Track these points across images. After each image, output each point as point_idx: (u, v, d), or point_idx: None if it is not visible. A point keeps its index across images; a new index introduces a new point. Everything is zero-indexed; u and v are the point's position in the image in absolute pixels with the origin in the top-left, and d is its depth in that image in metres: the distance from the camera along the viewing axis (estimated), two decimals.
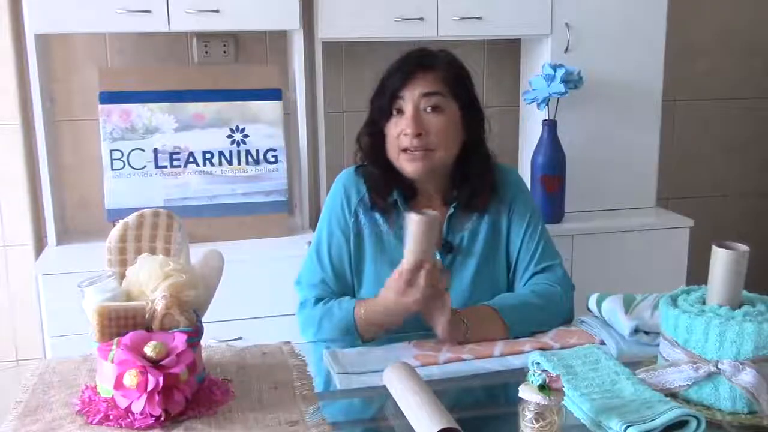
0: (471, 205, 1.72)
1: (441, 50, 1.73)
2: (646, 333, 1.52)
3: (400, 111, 1.65)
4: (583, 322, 1.63)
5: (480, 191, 1.71)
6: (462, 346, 1.52)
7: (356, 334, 1.59)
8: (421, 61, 1.67)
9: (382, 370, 1.35)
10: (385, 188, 1.70)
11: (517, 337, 1.57)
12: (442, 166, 1.69)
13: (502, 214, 1.74)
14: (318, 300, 1.68)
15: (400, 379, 1.27)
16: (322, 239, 1.73)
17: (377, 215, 1.71)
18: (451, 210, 1.72)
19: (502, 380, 1.40)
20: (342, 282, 1.71)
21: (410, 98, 1.64)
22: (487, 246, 1.72)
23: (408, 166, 1.66)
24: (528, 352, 1.47)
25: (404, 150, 1.65)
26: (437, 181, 1.72)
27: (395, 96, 1.64)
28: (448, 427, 1.11)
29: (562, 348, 1.49)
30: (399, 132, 1.65)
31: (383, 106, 1.67)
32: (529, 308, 1.63)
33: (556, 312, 1.66)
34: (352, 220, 1.71)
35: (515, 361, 1.46)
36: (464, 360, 1.47)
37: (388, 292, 1.51)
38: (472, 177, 1.71)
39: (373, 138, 1.71)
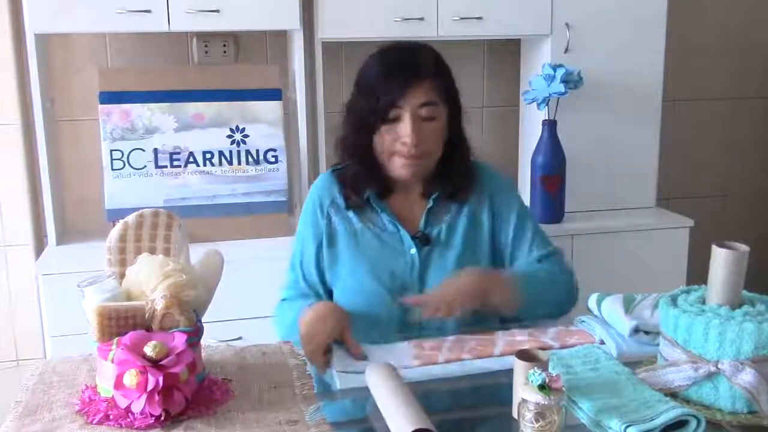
0: (451, 197, 1.74)
1: (422, 46, 1.72)
2: (646, 333, 1.52)
3: (397, 119, 1.64)
4: (583, 321, 1.63)
5: (462, 185, 1.74)
6: (462, 345, 1.52)
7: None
8: (416, 70, 1.65)
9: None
10: (363, 186, 1.72)
11: (523, 317, 1.61)
12: (427, 167, 1.71)
13: (483, 208, 1.75)
14: (284, 300, 1.76)
15: (380, 380, 1.28)
16: (296, 245, 1.79)
17: (350, 214, 1.73)
18: (430, 203, 1.73)
19: (501, 380, 1.39)
20: (309, 283, 1.75)
21: (409, 108, 1.62)
22: (466, 239, 1.73)
23: (401, 171, 1.67)
24: None
25: (396, 154, 1.66)
26: (419, 178, 1.73)
27: (393, 105, 1.63)
28: (423, 428, 1.11)
29: (562, 348, 1.49)
30: (394, 138, 1.64)
31: (377, 110, 1.64)
32: (541, 281, 1.67)
33: (564, 291, 1.72)
34: (325, 222, 1.73)
35: None
36: (464, 360, 1.47)
37: (307, 331, 1.52)
38: (455, 172, 1.73)
39: (359, 138, 1.69)
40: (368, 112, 1.65)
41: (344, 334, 1.51)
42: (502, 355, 1.48)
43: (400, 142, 1.64)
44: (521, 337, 1.56)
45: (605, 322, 1.60)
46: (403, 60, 1.68)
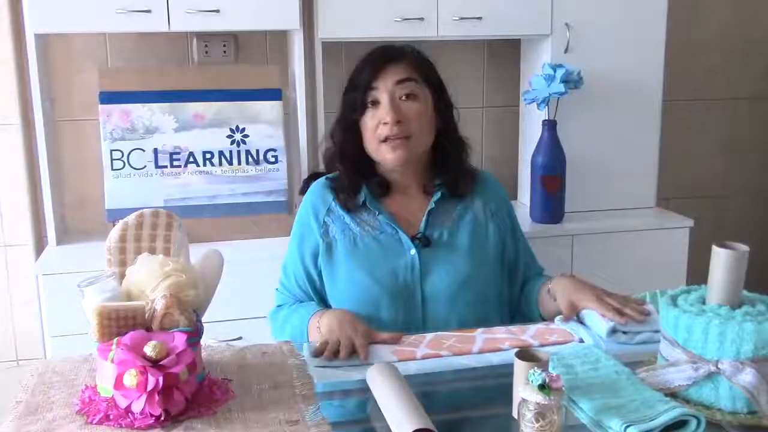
0: (457, 190, 1.75)
1: (405, 45, 1.75)
2: (624, 333, 1.52)
3: (375, 102, 1.66)
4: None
5: (462, 175, 1.75)
6: (441, 342, 1.52)
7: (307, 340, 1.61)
8: (390, 53, 1.69)
9: (359, 365, 1.38)
10: (356, 185, 1.72)
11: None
12: (419, 154, 1.72)
13: (487, 215, 1.77)
14: (279, 306, 1.78)
15: (380, 380, 1.28)
16: (288, 251, 1.80)
17: (348, 219, 1.72)
18: (432, 205, 1.73)
19: (501, 380, 1.39)
20: (303, 290, 1.76)
21: (384, 88, 1.65)
22: (471, 243, 1.73)
23: (389, 155, 1.68)
24: (506, 349, 1.48)
25: (384, 140, 1.67)
26: (414, 170, 1.74)
27: (369, 88, 1.65)
28: (423, 428, 1.12)
29: (541, 346, 1.48)
30: (377, 123, 1.66)
31: (356, 99, 1.67)
32: None
33: None
34: (322, 231, 1.73)
35: (493, 358, 1.46)
36: (442, 356, 1.47)
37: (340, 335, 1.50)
38: (451, 162, 1.75)
39: (346, 133, 1.72)
40: (349, 101, 1.68)
41: (371, 334, 1.52)
42: (480, 352, 1.48)
43: (381, 124, 1.65)
44: (501, 335, 1.55)
45: (584, 322, 1.60)
46: (381, 50, 1.72)
